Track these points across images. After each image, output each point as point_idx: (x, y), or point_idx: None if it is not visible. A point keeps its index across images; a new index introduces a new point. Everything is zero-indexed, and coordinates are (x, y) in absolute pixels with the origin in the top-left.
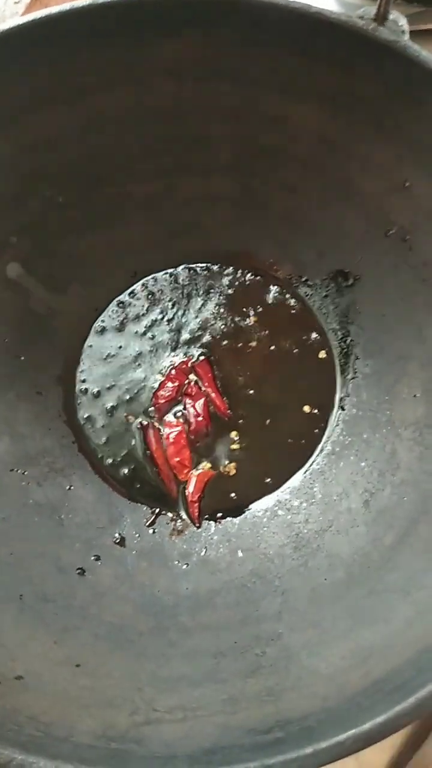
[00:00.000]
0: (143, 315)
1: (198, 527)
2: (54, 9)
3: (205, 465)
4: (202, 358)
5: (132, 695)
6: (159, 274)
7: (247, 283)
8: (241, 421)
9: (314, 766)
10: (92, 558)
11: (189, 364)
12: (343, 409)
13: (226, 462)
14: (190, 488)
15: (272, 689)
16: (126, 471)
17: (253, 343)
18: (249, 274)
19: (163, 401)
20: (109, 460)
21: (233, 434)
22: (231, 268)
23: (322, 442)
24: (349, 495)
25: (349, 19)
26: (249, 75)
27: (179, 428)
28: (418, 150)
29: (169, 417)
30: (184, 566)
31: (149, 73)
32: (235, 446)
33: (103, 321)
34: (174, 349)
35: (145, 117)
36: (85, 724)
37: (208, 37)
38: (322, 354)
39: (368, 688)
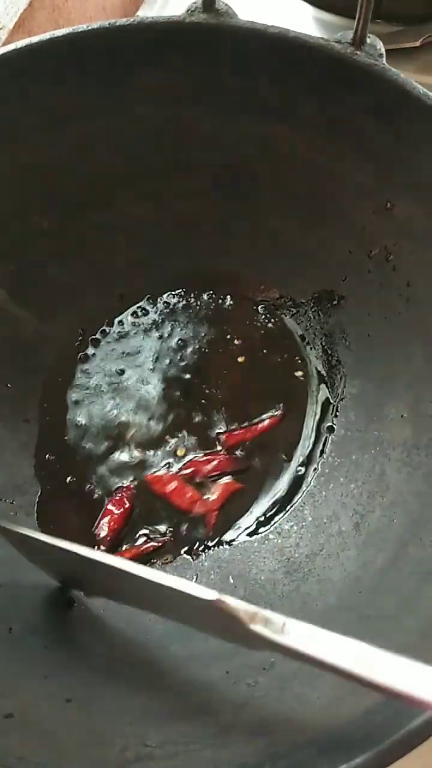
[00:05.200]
0: (130, 339)
1: (210, 539)
2: (35, 39)
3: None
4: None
5: (123, 730)
6: (145, 299)
7: (235, 305)
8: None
9: None
10: None
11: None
12: (332, 430)
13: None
14: (213, 496)
15: (264, 721)
16: None
17: (240, 363)
18: (236, 297)
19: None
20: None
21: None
22: (217, 291)
23: (312, 464)
24: (340, 517)
25: (327, 43)
26: (229, 100)
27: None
28: (399, 171)
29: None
30: None
31: (131, 101)
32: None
33: (89, 347)
34: (161, 374)
35: (128, 143)
36: (76, 764)
37: (187, 63)
38: (311, 374)
39: (359, 718)
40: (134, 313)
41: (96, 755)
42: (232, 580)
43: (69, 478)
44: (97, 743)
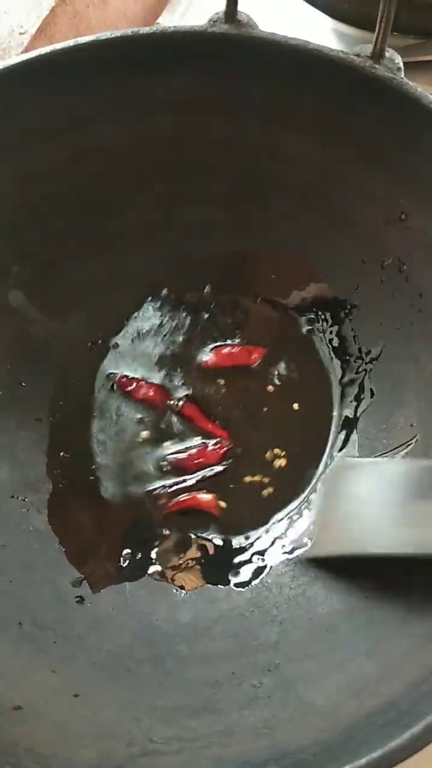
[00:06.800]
0: (143, 341)
1: None
2: (59, 45)
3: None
4: (183, 401)
5: (129, 726)
6: (157, 302)
7: (246, 312)
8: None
9: None
10: None
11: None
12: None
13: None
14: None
15: (268, 721)
16: None
17: (253, 370)
18: (249, 303)
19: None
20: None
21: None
22: (229, 296)
23: (320, 470)
24: None
25: (347, 56)
26: (245, 108)
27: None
28: (414, 182)
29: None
30: (183, 594)
31: (148, 107)
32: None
33: (103, 347)
34: (171, 377)
35: (143, 148)
36: (83, 757)
37: (205, 72)
38: (322, 381)
39: (363, 720)
40: (144, 316)
41: (103, 749)
42: None
43: (81, 477)
44: (104, 737)
